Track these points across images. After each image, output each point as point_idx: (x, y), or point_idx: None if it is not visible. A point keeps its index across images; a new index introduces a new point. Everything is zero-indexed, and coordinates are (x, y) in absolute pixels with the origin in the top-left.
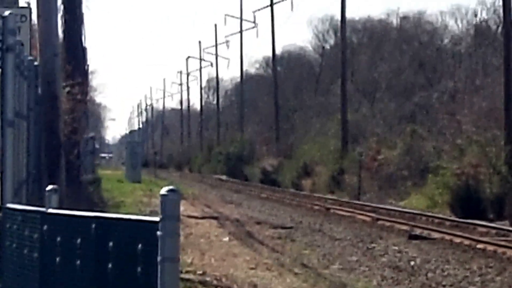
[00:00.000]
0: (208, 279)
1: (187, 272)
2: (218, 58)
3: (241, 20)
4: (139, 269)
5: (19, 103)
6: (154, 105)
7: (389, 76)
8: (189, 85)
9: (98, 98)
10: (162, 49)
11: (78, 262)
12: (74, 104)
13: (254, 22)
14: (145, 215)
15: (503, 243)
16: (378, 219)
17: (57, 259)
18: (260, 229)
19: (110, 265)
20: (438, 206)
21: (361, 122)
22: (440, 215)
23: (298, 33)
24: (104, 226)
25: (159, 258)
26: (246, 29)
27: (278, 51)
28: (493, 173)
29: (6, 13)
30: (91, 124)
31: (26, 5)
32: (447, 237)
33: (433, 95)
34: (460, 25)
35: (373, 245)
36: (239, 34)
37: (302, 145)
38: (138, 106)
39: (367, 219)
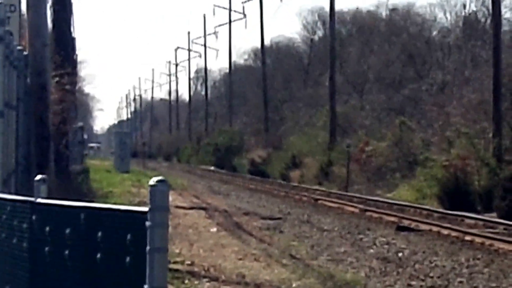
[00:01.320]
0: (196, 269)
1: (175, 262)
2: (207, 49)
3: (230, 11)
4: (128, 259)
5: (8, 93)
6: (143, 96)
7: (378, 68)
8: (178, 75)
9: (87, 88)
10: (151, 39)
11: (67, 252)
12: (63, 94)
13: (243, 13)
14: (134, 205)
15: (491, 235)
16: (366, 211)
17: (46, 248)
18: (248, 220)
19: (99, 255)
20: (426, 198)
21: (350, 114)
22: (428, 207)
23: (287, 24)
24: (93, 216)
25: (147, 248)
26: (235, 20)
27: (267, 42)
28: (481, 165)
29: None
30: (79, 114)
31: None
32: (435, 228)
33: (422, 87)
34: (449, 17)
35: (361, 236)
36: (228, 25)
37: (291, 136)
38: (126, 96)
39: (355, 210)
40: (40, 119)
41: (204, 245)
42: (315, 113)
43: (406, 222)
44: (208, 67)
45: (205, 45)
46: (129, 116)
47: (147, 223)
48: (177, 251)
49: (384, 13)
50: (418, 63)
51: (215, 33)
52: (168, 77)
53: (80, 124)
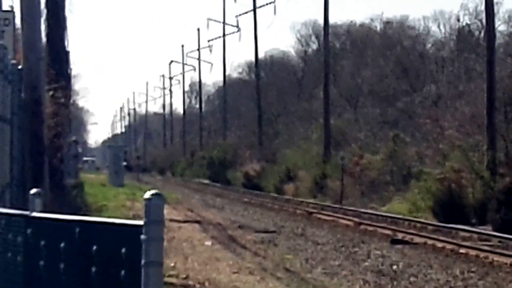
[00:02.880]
0: (191, 283)
1: (170, 276)
2: (201, 62)
3: (224, 24)
4: (123, 272)
5: (3, 107)
6: (137, 109)
7: (372, 81)
8: (172, 89)
9: (81, 102)
10: (145, 53)
11: (62, 265)
12: (57, 108)
13: (237, 26)
14: (128, 219)
15: (485, 247)
16: (360, 224)
17: (41, 262)
18: (242, 234)
19: (94, 269)
20: (420, 211)
21: (344, 127)
22: (423, 220)
23: (281, 37)
24: (88, 230)
25: (143, 262)
26: (229, 34)
27: (261, 55)
28: (475, 178)
29: None
30: (73, 128)
31: (9, 9)
32: (430, 241)
33: (416, 101)
34: (443, 30)
35: (355, 249)
36: (222, 39)
37: (285, 150)
38: (120, 110)
39: (350, 223)
40: (35, 134)
41: (198, 258)
42: (309, 126)
43: (400, 235)
44: (202, 81)
45: (199, 59)
46: (123, 130)
47: (142, 237)
48: (172, 264)
49: (378, 26)
50: (412, 77)
51: (209, 46)
52: (162, 90)
53: (74, 138)
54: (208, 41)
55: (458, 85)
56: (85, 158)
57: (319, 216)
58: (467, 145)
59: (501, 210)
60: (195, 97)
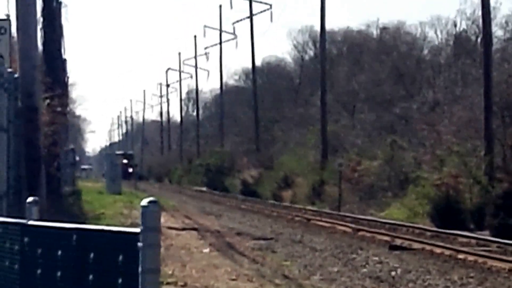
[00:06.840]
0: None
1: (168, 283)
2: (198, 70)
3: (221, 31)
4: (119, 280)
5: None
6: (134, 117)
7: (368, 87)
8: (169, 97)
9: (78, 110)
10: (142, 61)
11: (59, 273)
12: (53, 116)
13: (233, 33)
14: (125, 226)
15: (483, 253)
16: (358, 230)
17: (38, 271)
18: (240, 241)
19: (91, 277)
20: (418, 216)
21: (341, 133)
22: (421, 226)
23: (277, 44)
24: (85, 237)
25: (139, 269)
26: (226, 41)
27: (257, 62)
28: (473, 183)
29: None
30: (71, 136)
31: (5, 17)
32: (428, 247)
33: (413, 106)
34: (439, 36)
35: (353, 256)
36: (219, 46)
37: (282, 156)
38: (118, 118)
39: (348, 230)
40: (31, 141)
41: (196, 265)
42: (306, 132)
43: (398, 241)
44: (199, 88)
45: (196, 66)
46: (121, 137)
47: (139, 244)
48: (170, 272)
49: (374, 32)
50: (409, 82)
51: (205, 54)
52: (159, 98)
53: (72, 146)
54: (205, 48)
55: (454, 90)
56: (82, 167)
57: (317, 222)
58: (464, 150)
59: (499, 215)
60: (192, 105)
